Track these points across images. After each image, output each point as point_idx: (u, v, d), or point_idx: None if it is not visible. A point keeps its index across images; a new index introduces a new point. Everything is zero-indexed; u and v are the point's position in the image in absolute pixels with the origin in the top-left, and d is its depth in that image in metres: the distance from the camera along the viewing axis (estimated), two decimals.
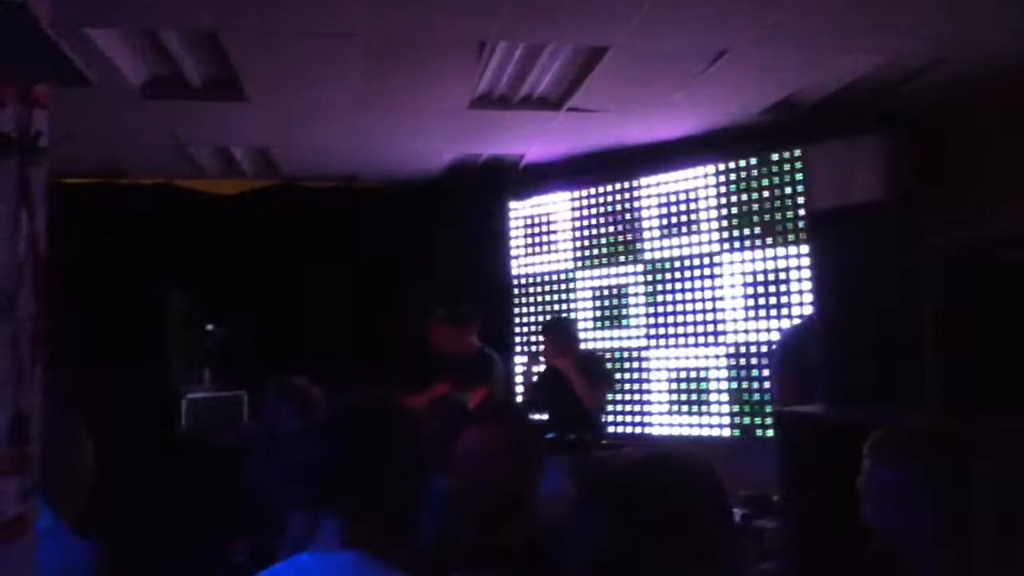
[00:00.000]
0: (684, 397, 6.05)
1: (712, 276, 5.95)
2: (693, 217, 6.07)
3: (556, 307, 6.84)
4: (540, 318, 6.90)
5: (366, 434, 1.88)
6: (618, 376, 6.39)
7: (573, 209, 6.79)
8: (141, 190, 6.90)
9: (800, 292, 5.47)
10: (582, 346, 6.10)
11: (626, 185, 6.47)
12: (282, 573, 1.80)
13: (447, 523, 2.14)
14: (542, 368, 5.89)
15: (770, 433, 5.39)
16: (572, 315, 6.72)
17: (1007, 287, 3.97)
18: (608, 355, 6.45)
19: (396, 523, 1.85)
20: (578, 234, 6.76)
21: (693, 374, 6.00)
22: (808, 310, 5.33)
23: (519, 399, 6.40)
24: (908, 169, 5.15)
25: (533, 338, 6.90)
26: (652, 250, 6.30)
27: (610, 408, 6.39)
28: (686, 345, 6.06)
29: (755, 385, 5.67)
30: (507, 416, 2.57)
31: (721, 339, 5.87)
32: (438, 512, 2.12)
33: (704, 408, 5.93)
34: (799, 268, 5.49)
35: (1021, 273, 4.04)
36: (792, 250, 5.55)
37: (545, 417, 5.94)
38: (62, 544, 2.12)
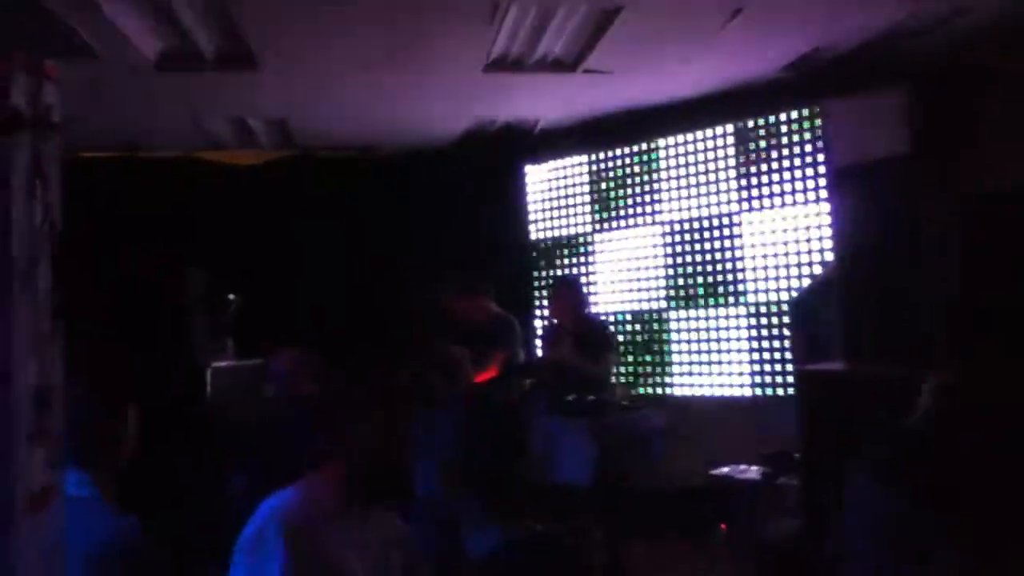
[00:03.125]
0: (704, 357, 6.04)
1: (731, 236, 5.92)
2: (712, 177, 6.03)
3: (575, 270, 6.84)
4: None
5: None
6: (639, 338, 6.40)
7: (590, 172, 6.76)
8: (160, 162, 6.93)
9: (821, 251, 5.43)
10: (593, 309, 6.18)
11: (643, 147, 6.43)
12: None
13: None
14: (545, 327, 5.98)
15: (791, 391, 5.39)
16: (591, 277, 6.72)
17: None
18: (628, 317, 6.47)
19: None
20: (596, 197, 6.73)
21: (713, 334, 6.00)
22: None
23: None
24: (930, 125, 5.06)
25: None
26: (671, 211, 6.27)
27: (631, 369, 6.41)
28: (706, 306, 6.05)
29: (775, 344, 5.66)
30: None
31: (740, 299, 5.85)
32: None
33: (724, 368, 5.93)
34: (819, 227, 5.45)
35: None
36: (812, 209, 5.50)
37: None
38: (102, 515, 2.16)
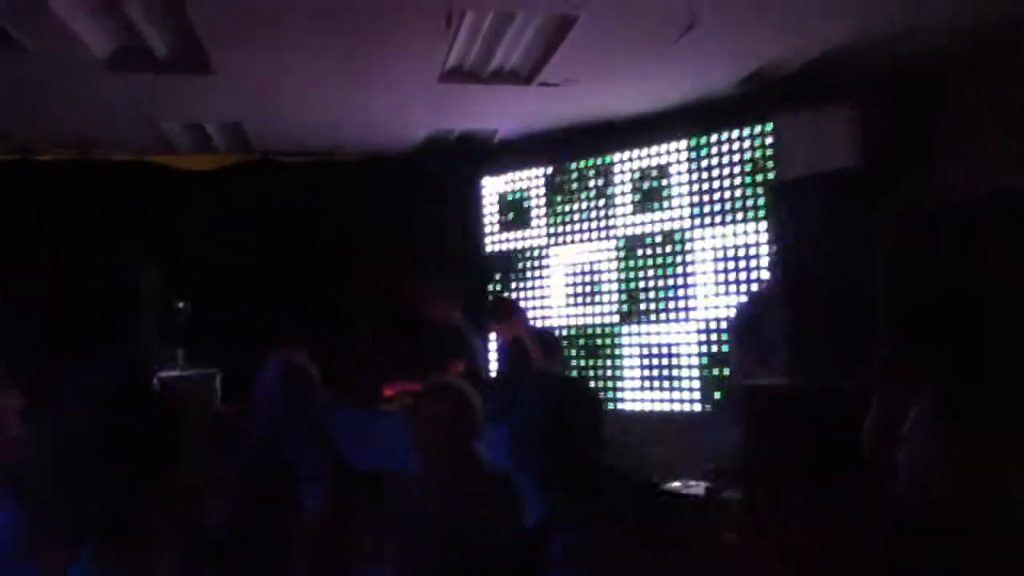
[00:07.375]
0: (655, 372, 6.06)
1: (683, 252, 5.95)
2: (665, 193, 6.07)
3: (530, 283, 6.84)
4: (514, 295, 6.89)
5: None
6: (591, 352, 6.41)
7: (546, 185, 6.78)
8: (113, 166, 6.82)
9: (770, 266, 5.47)
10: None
11: (598, 161, 6.45)
12: None
13: None
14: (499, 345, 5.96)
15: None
16: (546, 291, 6.73)
17: (963, 255, 4.00)
18: (581, 331, 6.48)
19: None
20: (552, 210, 6.74)
21: (664, 349, 6.01)
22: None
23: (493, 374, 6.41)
24: (879, 140, 5.12)
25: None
26: (625, 226, 6.30)
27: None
28: (657, 321, 6.07)
29: (725, 359, 5.68)
30: None
31: (692, 315, 5.88)
32: None
33: (675, 383, 5.94)
34: (769, 243, 5.49)
35: (977, 240, 4.08)
36: (763, 225, 5.54)
37: None
38: None
